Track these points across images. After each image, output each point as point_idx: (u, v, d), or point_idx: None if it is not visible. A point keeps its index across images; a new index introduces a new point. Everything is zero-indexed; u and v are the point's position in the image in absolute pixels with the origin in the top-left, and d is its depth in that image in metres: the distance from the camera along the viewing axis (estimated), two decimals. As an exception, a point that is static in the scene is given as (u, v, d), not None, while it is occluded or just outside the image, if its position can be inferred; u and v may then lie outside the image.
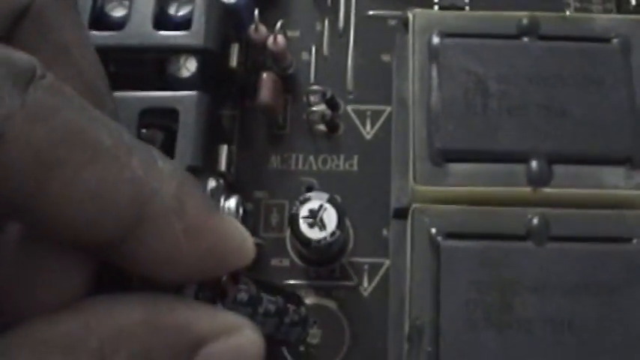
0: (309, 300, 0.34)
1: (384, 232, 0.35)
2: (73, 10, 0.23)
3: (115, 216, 0.20)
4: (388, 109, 0.37)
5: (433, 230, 0.31)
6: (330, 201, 0.32)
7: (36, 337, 0.19)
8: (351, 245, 0.34)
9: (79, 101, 0.19)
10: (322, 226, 0.31)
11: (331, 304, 0.34)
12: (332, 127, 0.36)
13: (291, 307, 0.28)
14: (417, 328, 0.30)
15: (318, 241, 0.31)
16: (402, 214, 0.32)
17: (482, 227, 0.31)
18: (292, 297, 0.29)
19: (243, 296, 0.24)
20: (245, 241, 0.23)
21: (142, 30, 0.33)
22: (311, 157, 0.36)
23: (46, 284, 0.21)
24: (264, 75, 0.36)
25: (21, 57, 0.18)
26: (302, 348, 0.34)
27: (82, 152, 0.19)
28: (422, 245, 0.31)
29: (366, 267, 0.34)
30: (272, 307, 0.26)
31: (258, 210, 0.35)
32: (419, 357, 0.30)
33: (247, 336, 0.22)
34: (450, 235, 0.31)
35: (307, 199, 0.32)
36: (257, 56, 0.37)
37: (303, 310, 0.29)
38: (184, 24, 0.34)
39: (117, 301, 0.20)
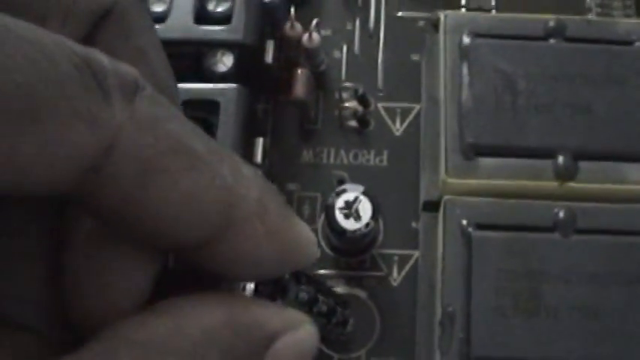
0: (339, 289, 0.35)
1: (413, 224, 0.36)
2: (147, 12, 0.24)
3: (206, 220, 0.20)
4: (417, 106, 0.38)
5: (464, 221, 0.32)
6: (366, 193, 0.33)
7: (132, 339, 0.19)
8: (381, 237, 0.35)
9: (175, 110, 0.19)
10: (357, 217, 0.32)
11: (362, 294, 0.35)
12: (363, 123, 0.38)
13: (339, 309, 0.29)
14: (448, 315, 0.31)
15: (354, 231, 0.32)
16: (431, 206, 0.34)
17: (511, 219, 0.32)
18: (340, 299, 0.30)
19: (303, 296, 0.25)
20: (313, 244, 0.24)
21: (183, 24, 0.34)
22: (342, 152, 0.37)
23: (118, 285, 0.21)
24: (299, 71, 0.37)
25: (127, 69, 0.19)
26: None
27: (181, 160, 0.20)
28: (453, 235, 0.33)
29: (395, 258, 0.35)
30: (324, 308, 0.27)
31: (291, 202, 0.36)
32: (451, 342, 0.31)
33: (308, 330, 0.22)
34: (481, 226, 0.32)
35: (343, 191, 0.33)
36: (291, 53, 0.38)
37: (347, 312, 0.30)
38: (223, 19, 0.35)
39: (199, 302, 0.21)
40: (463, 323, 0.31)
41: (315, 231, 0.36)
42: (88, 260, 0.21)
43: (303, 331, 0.22)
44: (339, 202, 0.33)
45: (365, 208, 0.33)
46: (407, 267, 0.35)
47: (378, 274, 0.35)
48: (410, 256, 0.35)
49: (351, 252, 0.35)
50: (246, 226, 0.21)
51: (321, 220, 0.36)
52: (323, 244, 0.36)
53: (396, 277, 0.35)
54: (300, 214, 0.37)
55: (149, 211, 0.20)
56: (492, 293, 0.32)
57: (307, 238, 0.23)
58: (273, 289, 0.24)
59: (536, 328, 0.32)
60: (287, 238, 0.22)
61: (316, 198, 0.37)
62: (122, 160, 0.19)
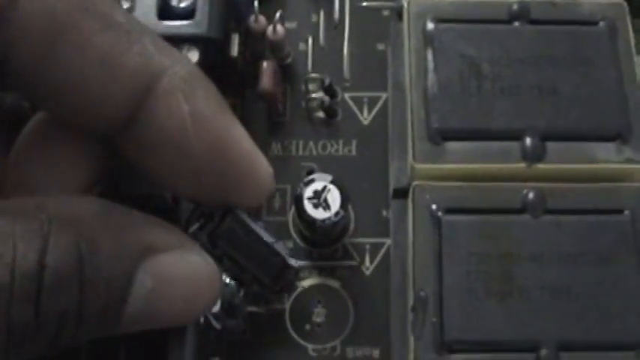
0: (312, 280, 0.35)
1: (384, 212, 0.35)
2: None
3: (124, 85, 0.21)
4: (384, 95, 0.37)
5: (434, 206, 0.32)
6: (334, 182, 0.33)
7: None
8: (352, 227, 0.35)
9: None
10: (326, 207, 0.32)
11: (334, 284, 0.34)
12: (330, 113, 0.37)
13: (255, 285, 0.27)
14: (420, 299, 0.31)
15: (323, 220, 0.32)
16: (401, 193, 0.33)
17: (481, 202, 0.32)
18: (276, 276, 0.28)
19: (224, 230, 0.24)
20: (260, 164, 0.23)
21: (146, 20, 0.34)
22: (311, 143, 0.37)
23: (52, 170, 0.22)
24: (265, 63, 0.36)
25: None
26: (307, 326, 0.35)
27: (95, 20, 0.20)
28: (423, 221, 0.32)
29: (367, 247, 0.35)
30: (236, 271, 0.26)
31: (261, 195, 0.35)
32: (424, 327, 0.31)
33: (204, 260, 0.23)
34: (450, 211, 0.32)
35: (312, 181, 0.33)
36: (256, 46, 0.38)
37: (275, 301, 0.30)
38: (186, 14, 0.35)
39: (78, 197, 0.21)
40: (436, 307, 0.31)
41: (286, 223, 0.36)
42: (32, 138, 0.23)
43: (196, 258, 0.22)
44: (308, 192, 0.33)
45: (334, 197, 0.33)
46: (379, 255, 0.35)
47: (351, 263, 0.35)
48: (381, 245, 0.35)
49: (323, 242, 0.35)
50: (168, 98, 0.21)
51: (291, 212, 0.35)
52: (295, 235, 0.36)
53: (368, 265, 0.35)
54: (270, 206, 0.36)
55: (64, 71, 0.20)
56: (464, 276, 0.32)
57: (249, 148, 0.23)
58: (199, 214, 0.24)
59: (509, 310, 0.31)
60: (221, 133, 0.22)
61: (286, 190, 0.36)
62: (28, 11, 0.19)
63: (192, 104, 0.21)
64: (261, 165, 0.24)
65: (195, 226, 0.24)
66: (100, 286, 0.20)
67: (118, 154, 0.23)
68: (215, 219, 0.24)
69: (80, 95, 0.21)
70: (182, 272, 0.22)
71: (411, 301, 0.31)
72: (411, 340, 0.31)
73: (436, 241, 0.31)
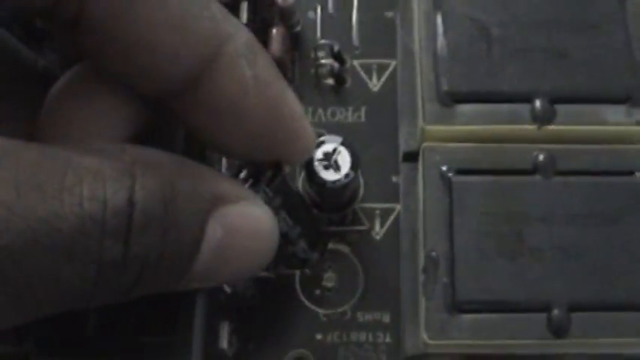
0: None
1: (394, 178, 0.35)
2: None
3: (194, 50, 0.21)
4: (393, 62, 0.37)
5: (444, 167, 0.32)
6: (344, 144, 0.32)
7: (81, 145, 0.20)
8: (362, 192, 0.35)
9: None
10: (337, 168, 0.32)
11: (344, 249, 0.34)
12: (339, 80, 0.37)
13: (303, 243, 0.29)
14: (431, 260, 0.31)
15: (333, 182, 0.31)
16: (411, 157, 0.33)
17: (491, 163, 0.32)
18: (313, 238, 0.29)
19: (277, 186, 0.25)
20: (307, 125, 0.25)
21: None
22: (320, 110, 0.37)
23: (89, 122, 0.23)
24: (274, 30, 0.36)
25: None
26: (317, 291, 0.34)
27: None
28: (434, 182, 0.32)
29: (377, 212, 0.35)
30: (284, 228, 0.27)
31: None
32: (435, 288, 0.31)
33: (267, 214, 0.23)
34: (461, 171, 0.32)
35: (322, 143, 0.33)
36: (265, 14, 0.38)
37: (313, 255, 0.30)
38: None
39: (152, 149, 0.21)
40: (447, 268, 0.30)
41: (297, 190, 0.35)
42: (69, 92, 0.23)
43: (261, 211, 0.23)
44: (318, 154, 0.32)
45: (344, 159, 0.32)
46: (389, 221, 0.35)
47: (361, 228, 0.35)
48: (391, 210, 0.35)
49: (333, 207, 0.34)
50: (233, 64, 0.22)
51: (301, 177, 0.34)
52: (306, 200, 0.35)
53: (378, 230, 0.35)
54: (280, 173, 0.36)
55: (139, 30, 0.20)
56: (475, 237, 0.31)
57: (301, 117, 0.24)
58: (250, 171, 0.25)
59: (520, 270, 0.31)
60: (277, 97, 0.23)
61: None
62: None
63: (254, 70, 0.22)
64: (308, 126, 0.25)
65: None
66: (179, 230, 0.20)
67: (159, 115, 0.24)
68: (266, 175, 0.25)
69: (150, 57, 0.21)
70: (249, 224, 0.23)
71: (421, 264, 0.31)
72: (422, 301, 0.31)
73: (447, 202, 0.31)
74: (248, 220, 0.23)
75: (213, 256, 0.22)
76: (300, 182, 0.35)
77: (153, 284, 0.21)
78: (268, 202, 0.25)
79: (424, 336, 0.30)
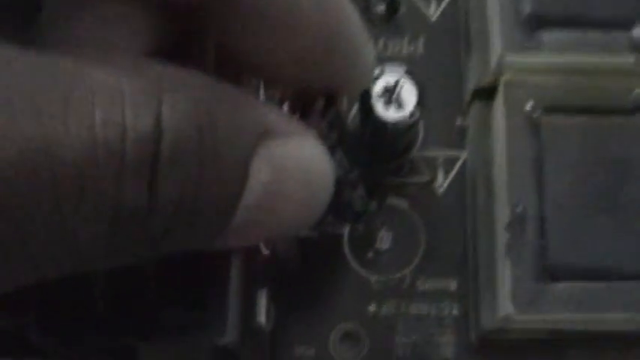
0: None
1: (458, 120, 0.30)
2: None
3: None
4: (455, -13, 0.32)
5: (529, 105, 0.27)
6: (409, 74, 0.27)
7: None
8: (420, 137, 0.30)
9: None
10: (400, 105, 0.27)
11: (401, 204, 0.30)
12: (392, 8, 0.32)
13: (361, 189, 0.25)
14: (518, 216, 0.26)
15: (395, 123, 0.27)
16: (483, 94, 0.29)
17: (585, 100, 0.27)
18: (371, 185, 0.26)
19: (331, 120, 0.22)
20: (368, 44, 0.22)
21: None
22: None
23: (111, 25, 0.19)
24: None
25: None
26: (370, 254, 0.30)
27: None
28: (517, 123, 0.27)
29: (439, 161, 0.30)
30: (339, 171, 0.23)
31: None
32: (522, 250, 0.26)
33: (323, 153, 0.20)
34: (550, 110, 0.27)
35: (380, 74, 0.27)
36: None
37: (371, 204, 0.26)
38: None
39: (181, 67, 0.18)
40: (536, 226, 0.26)
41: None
42: None
43: (315, 150, 0.20)
44: (377, 88, 0.27)
45: (409, 93, 0.27)
46: (454, 170, 0.30)
47: (420, 180, 0.30)
48: (456, 158, 0.30)
49: (388, 155, 0.30)
50: None
51: (350, 116, 0.29)
52: None
53: (441, 182, 0.30)
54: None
55: None
56: (568, 188, 0.26)
57: (363, 36, 0.22)
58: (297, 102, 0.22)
59: (622, 229, 0.26)
60: (337, 8, 0.21)
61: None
62: None
63: None
64: (371, 49, 0.23)
65: None
66: (219, 168, 0.17)
67: (187, 27, 0.21)
68: (317, 106, 0.22)
69: None
70: (302, 165, 0.20)
71: (498, 221, 0.27)
72: (506, 266, 0.26)
73: (533, 147, 0.27)
74: (301, 160, 0.20)
75: (258, 204, 0.18)
76: (349, 119, 0.30)
77: (183, 240, 0.18)
78: (322, 138, 0.21)
79: (509, 308, 0.26)
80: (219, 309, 0.24)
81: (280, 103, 0.23)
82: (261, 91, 0.26)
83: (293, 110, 0.22)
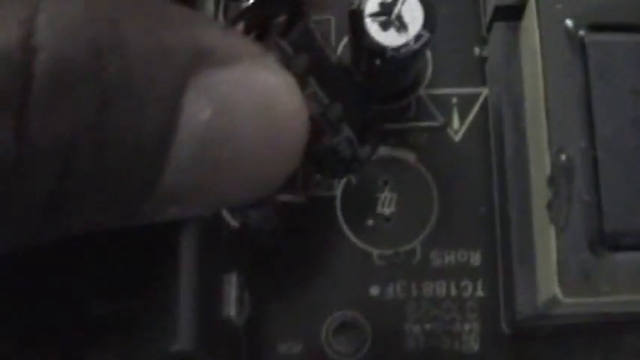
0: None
1: (476, 50, 0.26)
2: None
3: None
4: None
5: (569, 22, 0.22)
6: None
7: None
8: (429, 72, 0.26)
9: None
10: (402, 26, 0.22)
11: (409, 156, 0.25)
12: None
13: (347, 129, 0.21)
14: (562, 166, 0.21)
15: (397, 49, 0.22)
16: (508, 12, 0.24)
17: (637, 14, 0.22)
18: (360, 125, 0.21)
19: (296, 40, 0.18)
20: None
21: None
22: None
23: None
24: None
25: None
26: (370, 221, 0.25)
27: None
28: (555, 44, 0.22)
29: (454, 100, 0.26)
30: (313, 106, 0.19)
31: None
32: (570, 209, 0.21)
33: (285, 81, 0.17)
34: (597, 27, 0.22)
35: (376, -14, 0.22)
36: None
37: (363, 149, 0.21)
38: None
39: None
40: (587, 177, 0.21)
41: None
42: None
43: (274, 73, 0.17)
44: (371, 5, 0.22)
45: (413, 12, 0.22)
46: (472, 112, 0.26)
47: (432, 124, 0.25)
48: (475, 96, 0.26)
49: (389, 93, 0.25)
50: None
51: (341, 44, 0.25)
52: None
53: (457, 127, 0.26)
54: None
55: None
56: (628, 126, 0.21)
57: None
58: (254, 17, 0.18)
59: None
60: None
61: (330, 22, 0.26)
62: None
63: None
64: None
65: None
66: (132, 105, 0.14)
67: None
68: (277, 20, 0.18)
69: None
70: (256, 96, 0.16)
71: (540, 173, 0.21)
72: (549, 232, 0.21)
73: (579, 74, 0.21)
74: (254, 90, 0.16)
75: (197, 154, 0.15)
76: (339, 51, 0.26)
77: (85, 213, 0.15)
78: (286, 62, 0.18)
79: (556, 289, 0.20)
80: (167, 306, 0.19)
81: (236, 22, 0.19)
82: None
83: (248, 30, 0.19)
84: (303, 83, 0.18)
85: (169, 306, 0.19)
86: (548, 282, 0.21)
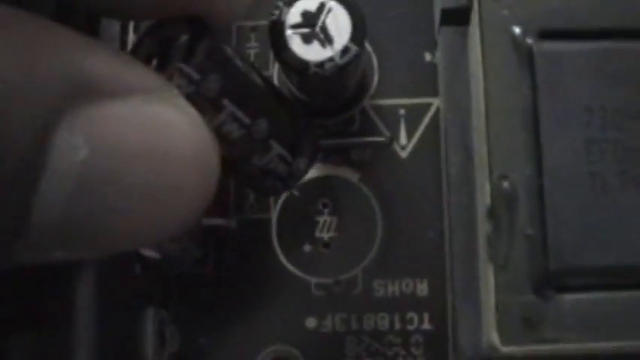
0: (315, 170, 0.23)
1: (427, 56, 0.24)
2: None
3: None
4: None
5: (517, 29, 0.20)
6: None
7: None
8: (375, 81, 0.24)
9: None
10: (326, 39, 0.20)
11: (351, 175, 0.24)
12: None
13: (276, 146, 0.19)
14: (504, 195, 0.19)
15: (321, 64, 0.20)
16: (456, 16, 0.22)
17: (593, 20, 0.20)
18: (290, 138, 0.20)
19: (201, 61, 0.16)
20: None
21: None
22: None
23: None
24: None
25: None
26: (307, 247, 0.23)
27: None
28: (500, 54, 0.20)
29: (402, 112, 0.24)
30: (234, 130, 0.17)
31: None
32: (511, 247, 0.19)
33: (186, 113, 0.16)
34: (547, 35, 0.20)
35: (297, -3, 0.21)
36: None
37: (299, 162, 0.20)
38: None
39: None
40: (531, 208, 0.19)
41: (269, 78, 0.24)
42: None
43: (173, 109, 0.16)
44: (293, 16, 0.20)
45: (338, 22, 0.20)
46: (422, 125, 0.24)
47: (376, 139, 0.24)
48: (425, 107, 0.24)
49: (328, 108, 0.24)
50: None
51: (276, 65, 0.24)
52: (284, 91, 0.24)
53: (404, 143, 0.24)
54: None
55: None
56: (580, 150, 0.19)
57: None
58: (153, 42, 0.17)
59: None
60: None
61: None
62: None
63: None
64: None
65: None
66: None
67: None
68: (179, 42, 0.17)
69: None
70: (147, 136, 0.15)
71: (482, 200, 0.20)
72: (489, 270, 0.19)
73: (525, 88, 0.20)
74: (146, 128, 0.15)
75: (74, 195, 0.14)
76: (274, 70, 0.24)
77: None
78: (195, 88, 0.16)
79: (494, 337, 0.19)
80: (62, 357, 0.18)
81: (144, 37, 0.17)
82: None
83: (148, 59, 0.17)
84: (218, 107, 0.17)
85: (67, 353, 0.18)
86: (488, 326, 0.19)
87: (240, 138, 0.18)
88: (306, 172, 0.20)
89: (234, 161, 0.18)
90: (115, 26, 0.21)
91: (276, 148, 0.19)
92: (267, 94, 0.19)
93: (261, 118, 0.18)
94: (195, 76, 0.16)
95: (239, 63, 0.18)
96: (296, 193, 0.23)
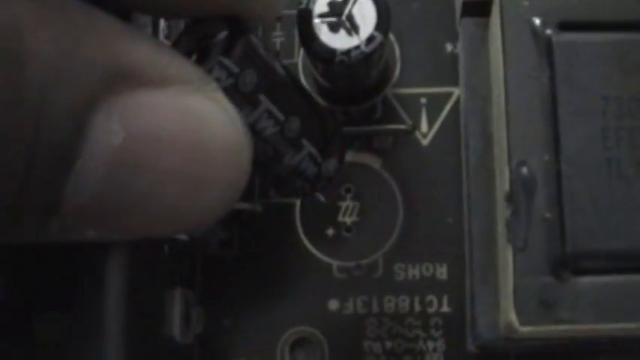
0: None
1: (448, 46, 0.24)
2: None
3: None
4: None
5: (537, 20, 0.21)
6: None
7: None
8: (397, 70, 0.24)
9: None
10: (352, 28, 0.21)
11: (373, 161, 0.24)
12: None
13: (308, 145, 0.19)
14: (523, 180, 0.20)
15: (347, 52, 0.21)
16: (476, 8, 0.22)
17: (610, 12, 0.21)
18: (320, 138, 0.20)
19: (235, 79, 0.17)
20: None
21: None
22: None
23: None
24: None
25: None
26: (330, 231, 0.24)
27: None
28: (520, 44, 0.21)
29: (423, 101, 0.24)
30: (267, 126, 0.18)
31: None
32: (529, 230, 0.19)
33: (222, 107, 0.16)
34: (566, 26, 0.21)
35: (324, -13, 0.21)
36: None
37: (329, 163, 0.20)
38: None
39: None
40: (549, 193, 0.19)
41: (295, 66, 0.25)
42: None
43: (204, 101, 0.16)
44: (320, 5, 0.21)
45: (364, 12, 0.21)
46: (443, 114, 0.24)
47: (398, 127, 0.24)
48: (446, 96, 0.24)
49: (352, 95, 0.24)
50: None
51: (300, 52, 0.24)
52: (305, 82, 0.25)
53: (425, 130, 0.24)
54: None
55: None
56: (597, 137, 0.20)
57: None
58: (191, 39, 0.17)
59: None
60: None
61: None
62: None
63: None
64: None
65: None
66: (23, 122, 0.13)
67: None
68: (218, 38, 0.17)
69: None
70: (184, 126, 0.15)
71: (502, 186, 0.20)
72: (507, 253, 0.19)
73: (544, 77, 0.20)
74: (183, 118, 0.15)
75: (108, 178, 0.14)
76: (299, 59, 0.25)
77: None
78: (234, 81, 0.17)
79: (512, 317, 0.19)
80: (95, 330, 0.19)
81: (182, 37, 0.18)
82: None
83: (188, 52, 0.17)
84: (254, 102, 0.17)
85: (97, 331, 0.19)
86: (506, 307, 0.19)
87: (274, 135, 0.18)
88: (334, 175, 0.20)
89: (266, 160, 0.18)
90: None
91: (308, 147, 0.19)
92: (298, 94, 0.19)
93: (294, 116, 0.18)
94: (235, 68, 0.16)
95: (273, 62, 0.18)
96: (322, 198, 0.23)
